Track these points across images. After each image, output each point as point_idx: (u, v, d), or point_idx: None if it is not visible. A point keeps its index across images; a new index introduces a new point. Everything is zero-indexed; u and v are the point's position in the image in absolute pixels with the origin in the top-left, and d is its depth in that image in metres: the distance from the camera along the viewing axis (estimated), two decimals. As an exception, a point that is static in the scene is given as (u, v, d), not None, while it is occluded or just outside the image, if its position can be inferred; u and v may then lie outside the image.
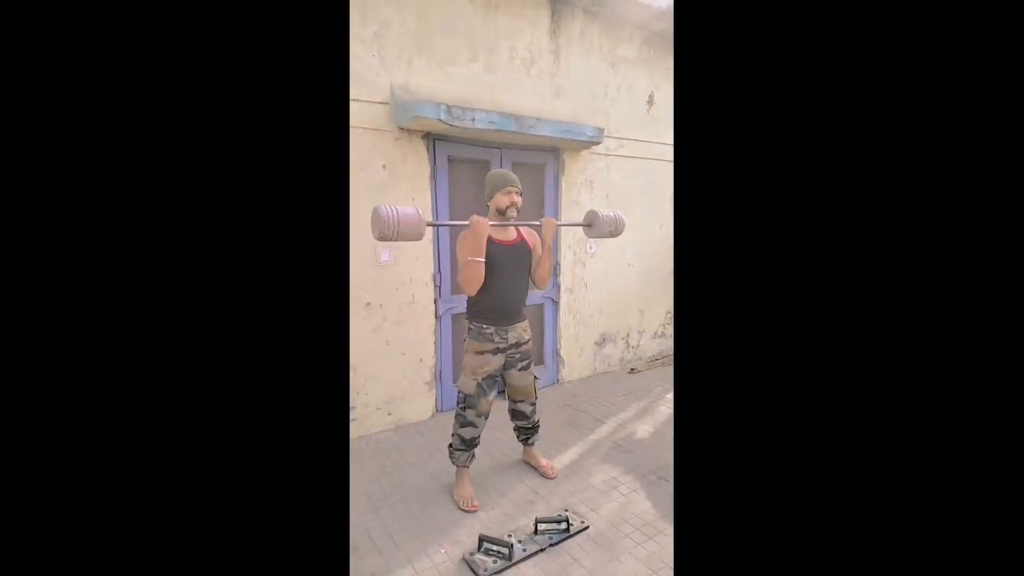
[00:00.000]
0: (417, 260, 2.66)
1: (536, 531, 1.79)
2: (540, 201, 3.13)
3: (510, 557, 1.66)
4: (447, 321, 2.85)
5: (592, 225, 2.05)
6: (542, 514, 1.91)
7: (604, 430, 2.70)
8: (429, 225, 1.71)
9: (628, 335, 3.77)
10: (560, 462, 2.34)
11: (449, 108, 2.31)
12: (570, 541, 1.78)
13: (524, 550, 1.70)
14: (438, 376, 2.87)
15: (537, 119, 2.63)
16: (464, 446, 2.03)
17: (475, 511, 1.95)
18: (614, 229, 2.06)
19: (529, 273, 2.03)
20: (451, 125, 2.35)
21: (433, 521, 1.89)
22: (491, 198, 1.93)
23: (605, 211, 2.05)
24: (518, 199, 1.92)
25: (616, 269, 3.56)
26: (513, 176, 1.92)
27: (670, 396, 3.21)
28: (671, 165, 3.76)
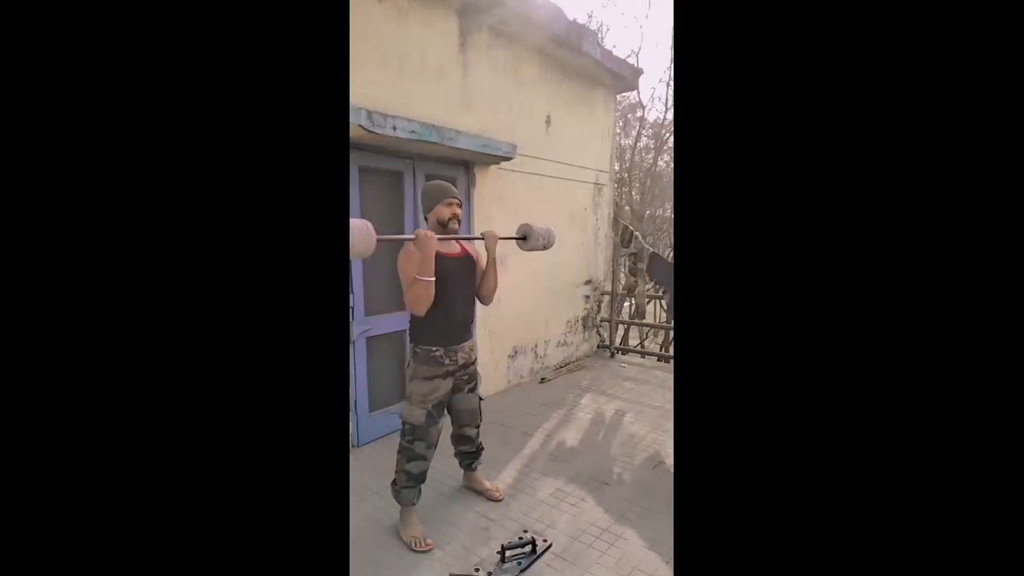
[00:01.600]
0: (329, 279, 2.38)
1: (504, 559, 1.70)
2: (453, 215, 3.05)
3: (486, 593, 1.54)
4: (361, 345, 2.60)
5: (527, 238, 2.04)
6: (499, 540, 1.82)
7: (534, 443, 2.70)
8: (379, 240, 1.52)
9: (536, 345, 3.85)
10: (502, 482, 2.28)
11: (370, 113, 2.14)
12: (539, 562, 1.72)
13: (498, 582, 1.60)
14: (354, 407, 2.59)
15: (457, 131, 2.57)
16: (412, 482, 1.85)
17: (430, 550, 1.78)
18: (547, 242, 2.08)
19: (475, 288, 1.95)
20: (371, 132, 2.17)
21: (387, 570, 1.68)
22: (430, 210, 1.83)
23: (538, 225, 2.06)
24: (459, 211, 1.85)
25: (525, 282, 3.63)
26: (453, 187, 1.86)
27: (584, 402, 3.34)
28: (569, 184, 3.98)
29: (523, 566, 1.68)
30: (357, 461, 2.47)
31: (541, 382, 3.74)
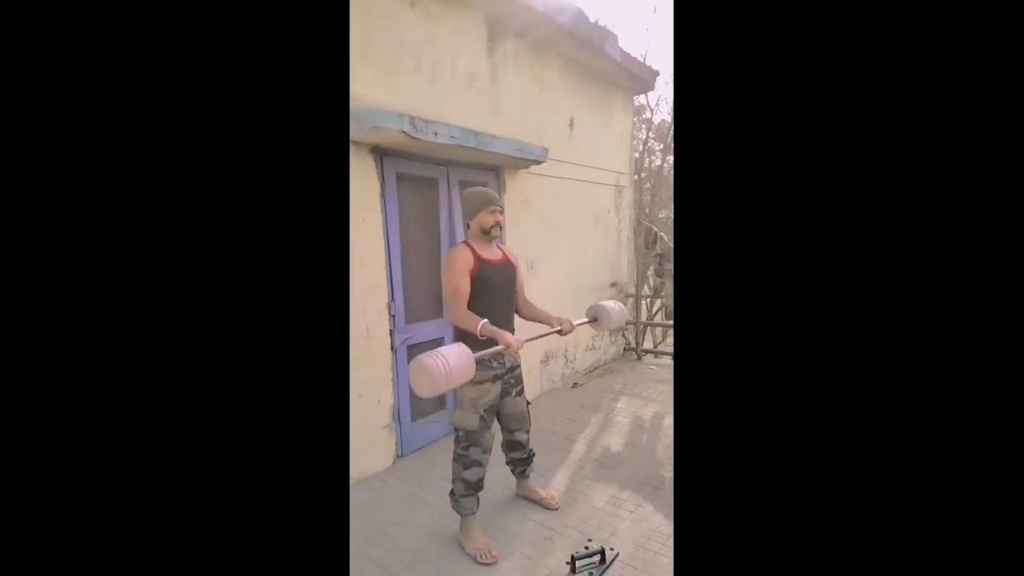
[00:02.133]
0: (370, 290, 2.35)
1: (575, 569, 1.66)
2: (485, 221, 3.03)
3: (564, 605, 1.50)
4: (403, 353, 2.56)
5: (599, 319, 2.08)
6: (563, 549, 1.78)
7: (579, 449, 2.66)
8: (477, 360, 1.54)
9: (566, 350, 3.81)
10: (554, 489, 2.23)
11: (412, 119, 2.12)
12: (609, 572, 1.68)
13: (573, 593, 1.56)
14: (397, 417, 2.55)
15: (492, 136, 2.56)
16: (471, 490, 1.81)
17: (495, 562, 1.74)
18: (619, 321, 2.10)
19: (515, 292, 1.96)
20: (413, 138, 2.15)
21: (455, 585, 1.64)
22: (473, 217, 1.82)
23: (610, 303, 2.08)
24: (501, 218, 1.84)
25: (552, 287, 3.60)
26: (495, 194, 1.85)
27: (620, 406, 3.30)
28: (592, 186, 3.96)
29: (595, 576, 1.64)
30: (401, 470, 2.43)
31: (573, 387, 3.70)
